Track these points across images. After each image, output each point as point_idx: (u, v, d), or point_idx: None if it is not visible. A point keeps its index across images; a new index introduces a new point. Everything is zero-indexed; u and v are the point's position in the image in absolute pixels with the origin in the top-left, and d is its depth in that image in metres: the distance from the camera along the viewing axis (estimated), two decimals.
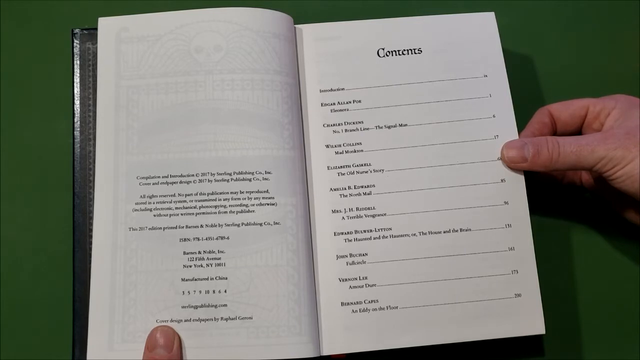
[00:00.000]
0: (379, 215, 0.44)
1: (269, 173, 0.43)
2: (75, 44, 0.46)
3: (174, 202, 0.43)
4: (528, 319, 0.42)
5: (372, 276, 0.43)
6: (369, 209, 0.44)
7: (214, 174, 0.43)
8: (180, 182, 0.43)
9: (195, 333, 0.41)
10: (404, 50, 0.47)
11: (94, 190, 0.43)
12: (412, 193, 0.44)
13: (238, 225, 0.42)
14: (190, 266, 0.42)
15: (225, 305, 0.41)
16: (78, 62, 0.46)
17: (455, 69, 0.47)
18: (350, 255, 0.43)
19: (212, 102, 0.44)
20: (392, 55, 0.47)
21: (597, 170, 0.42)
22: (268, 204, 0.43)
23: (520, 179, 0.45)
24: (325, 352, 0.42)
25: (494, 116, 0.46)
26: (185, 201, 0.43)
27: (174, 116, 0.44)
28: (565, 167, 0.43)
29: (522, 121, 0.46)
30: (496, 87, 0.46)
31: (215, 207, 0.43)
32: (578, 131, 0.47)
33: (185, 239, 0.42)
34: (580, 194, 0.49)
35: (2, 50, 0.51)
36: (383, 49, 0.47)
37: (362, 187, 0.45)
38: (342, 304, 0.43)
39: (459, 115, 0.46)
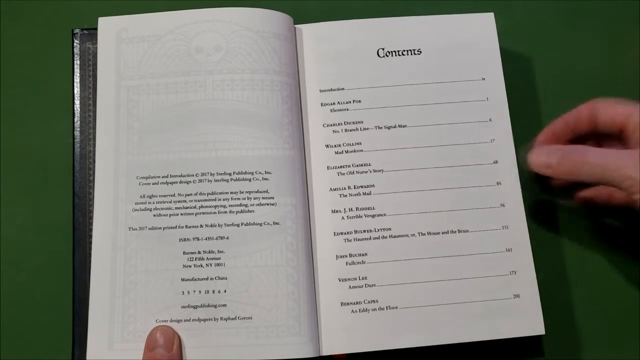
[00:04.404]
0: (378, 215, 0.44)
1: (269, 173, 0.43)
2: (75, 44, 0.46)
3: (174, 202, 0.43)
4: (527, 320, 0.42)
5: (371, 276, 0.43)
6: (368, 209, 0.44)
7: (213, 174, 0.43)
8: (180, 182, 0.43)
9: (195, 333, 0.41)
10: (404, 50, 0.47)
11: (94, 190, 0.43)
12: (412, 193, 0.44)
13: (238, 225, 0.43)
14: (190, 266, 0.42)
15: (225, 305, 0.41)
16: (78, 62, 0.46)
17: (454, 71, 0.47)
18: (350, 255, 0.43)
19: (212, 102, 0.44)
20: (392, 55, 0.47)
21: (623, 190, 0.40)
22: (268, 204, 0.43)
23: (516, 181, 0.45)
24: (325, 352, 0.42)
25: (490, 120, 0.46)
26: (185, 201, 0.43)
27: (174, 116, 0.44)
28: (590, 179, 0.41)
29: (520, 123, 0.46)
30: (493, 90, 0.46)
31: (215, 207, 0.43)
32: (620, 136, 0.44)
33: (184, 239, 0.42)
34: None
35: (2, 50, 0.51)
36: (383, 49, 0.47)
37: (361, 187, 0.45)
38: (341, 304, 0.43)
39: (456, 117, 0.46)
